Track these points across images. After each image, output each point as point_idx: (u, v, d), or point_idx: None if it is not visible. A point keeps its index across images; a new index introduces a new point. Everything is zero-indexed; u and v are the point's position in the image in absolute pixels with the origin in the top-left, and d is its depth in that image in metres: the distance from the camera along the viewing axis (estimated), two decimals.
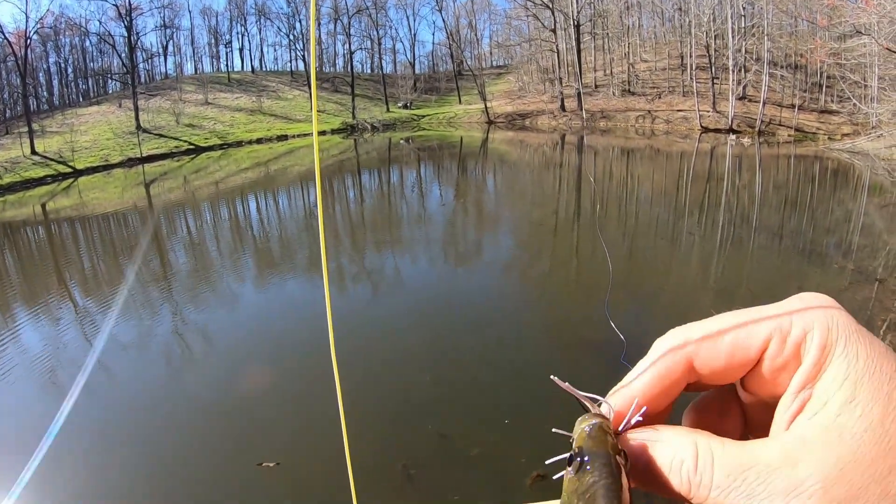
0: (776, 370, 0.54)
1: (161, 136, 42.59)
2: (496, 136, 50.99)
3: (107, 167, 35.69)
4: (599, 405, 0.61)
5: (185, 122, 46.46)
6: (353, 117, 57.18)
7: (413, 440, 6.58)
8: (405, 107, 65.99)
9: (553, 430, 0.62)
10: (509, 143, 47.50)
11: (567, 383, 0.61)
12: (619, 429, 0.59)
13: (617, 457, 0.55)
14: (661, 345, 0.61)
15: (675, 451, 0.54)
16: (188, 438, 6.86)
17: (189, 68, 66.96)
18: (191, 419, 7.28)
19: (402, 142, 48.04)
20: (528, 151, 42.80)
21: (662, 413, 0.63)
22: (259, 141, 46.26)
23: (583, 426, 0.57)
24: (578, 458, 0.54)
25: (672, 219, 20.41)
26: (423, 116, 61.24)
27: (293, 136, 48.89)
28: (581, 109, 57.98)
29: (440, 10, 72.89)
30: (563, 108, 58.94)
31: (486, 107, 60.08)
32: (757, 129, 50.35)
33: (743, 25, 55.72)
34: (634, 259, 15.31)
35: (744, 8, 54.91)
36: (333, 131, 53.16)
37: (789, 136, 48.67)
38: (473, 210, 21.73)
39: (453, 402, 7.37)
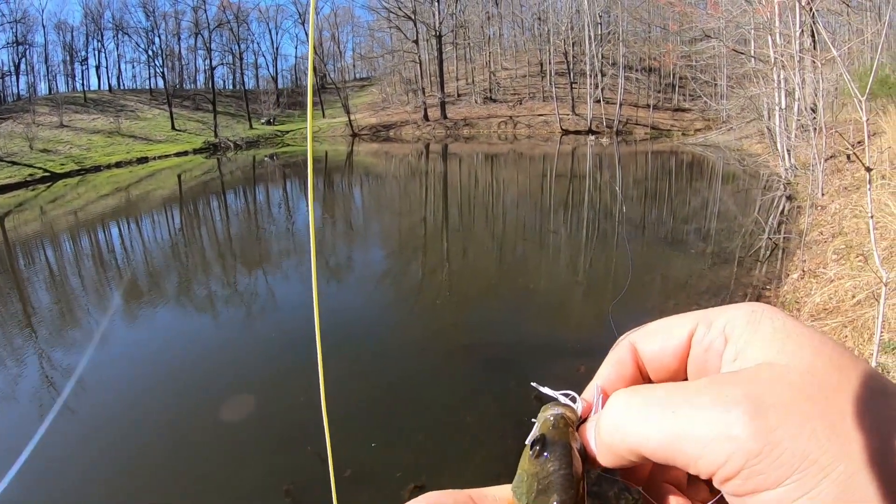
0: (704, 351, 0.56)
1: (14, 163, 40.09)
2: (361, 149, 50.93)
3: None
4: (574, 400, 0.62)
5: (40, 147, 43.90)
6: (216, 135, 55.89)
7: (295, 463, 6.46)
8: (269, 122, 65.11)
9: (532, 384, 0.64)
10: (374, 154, 47.54)
11: (546, 387, 0.63)
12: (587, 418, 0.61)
13: (576, 447, 0.56)
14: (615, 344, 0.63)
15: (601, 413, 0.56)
16: (71, 481, 6.57)
17: (43, 88, 63.62)
18: (74, 461, 6.97)
19: (266, 159, 47.31)
20: (393, 162, 43.00)
21: None
22: (119, 164, 44.34)
23: (547, 414, 0.60)
24: (539, 446, 0.55)
25: (537, 218, 20.79)
26: (288, 132, 60.51)
27: (154, 158, 47.30)
28: (444, 118, 58.55)
29: (303, 23, 72.35)
30: (426, 117, 59.41)
31: (350, 119, 59.93)
32: (615, 128, 52.25)
33: (599, 33, 57.65)
34: (503, 260, 15.52)
35: (600, 16, 56.82)
36: (195, 151, 51.70)
37: (646, 133, 50.72)
38: (341, 225, 21.58)
39: (332, 420, 7.28)
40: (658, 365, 0.60)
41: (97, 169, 42.67)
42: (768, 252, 13.43)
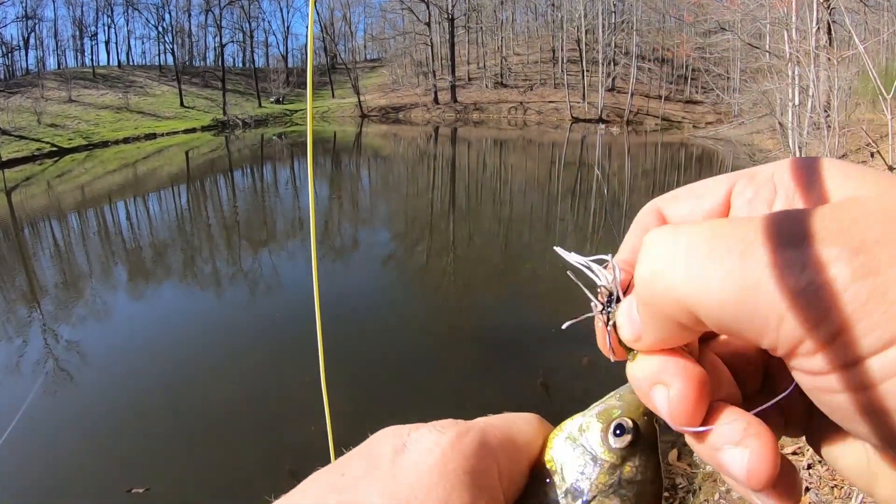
0: (748, 202, 0.45)
1: (22, 137, 39.58)
2: (370, 130, 50.83)
3: None
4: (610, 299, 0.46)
5: (48, 122, 43.39)
6: (224, 113, 55.69)
7: (298, 442, 6.42)
8: (277, 101, 64.82)
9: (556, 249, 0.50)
10: (383, 136, 47.46)
11: (573, 253, 0.48)
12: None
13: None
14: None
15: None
16: (50, 461, 6.52)
17: (52, 63, 62.83)
18: (52, 443, 6.92)
19: (274, 138, 47.17)
20: (401, 145, 42.94)
21: None
22: (126, 140, 44.04)
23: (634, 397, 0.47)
24: (631, 437, 0.44)
25: (544, 206, 20.78)
26: (296, 111, 60.17)
27: (162, 135, 47.09)
28: (454, 102, 58.43)
29: (315, 2, 71.82)
30: (436, 100, 59.22)
31: (359, 101, 59.70)
32: (625, 118, 52.04)
33: (613, 21, 57.45)
34: (509, 245, 15.49)
35: (614, 5, 56.61)
36: (204, 128, 51.53)
37: (656, 124, 50.47)
38: (348, 206, 21.55)
39: (333, 400, 7.24)
40: None
41: (105, 144, 42.39)
42: None
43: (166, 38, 66.20)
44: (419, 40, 65.85)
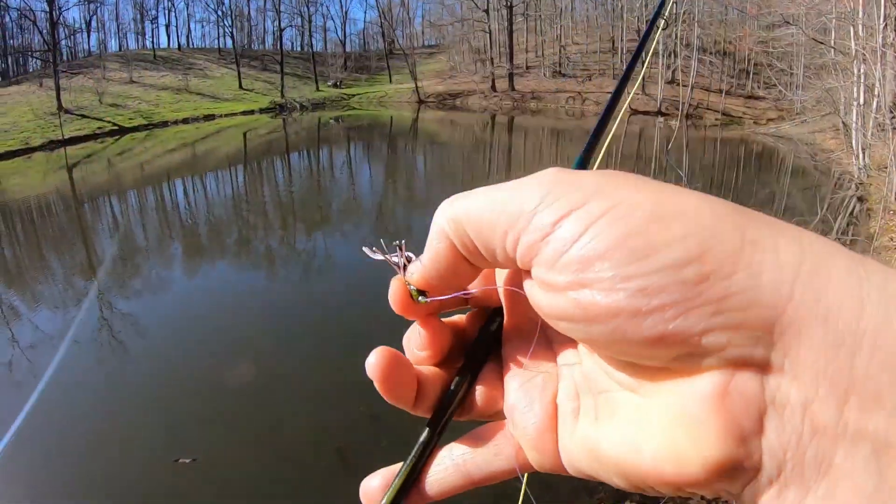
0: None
1: (84, 116, 40.01)
2: (426, 116, 50.67)
3: (27, 151, 33.13)
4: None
5: (109, 102, 43.83)
6: (282, 96, 55.91)
7: (347, 419, 6.43)
8: (335, 86, 64.97)
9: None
10: (440, 122, 47.28)
11: (376, 251, 0.56)
12: None
13: None
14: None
15: None
16: (98, 434, 6.56)
17: (113, 45, 63.95)
18: (102, 412, 6.99)
19: (331, 121, 47.30)
20: (458, 131, 42.69)
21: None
22: (185, 121, 44.34)
23: None
24: None
25: None
26: (354, 95, 60.41)
27: (220, 116, 47.43)
28: (512, 90, 58.10)
29: None
30: (493, 88, 58.85)
31: (416, 86, 59.47)
32: (685, 112, 51.04)
33: (675, 12, 56.48)
34: None
35: None
36: (261, 110, 51.77)
37: (716, 119, 49.42)
38: (403, 190, 21.55)
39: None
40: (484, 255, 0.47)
41: (164, 124, 42.85)
42: None
43: (225, 22, 66.86)
44: (477, 27, 65.50)
